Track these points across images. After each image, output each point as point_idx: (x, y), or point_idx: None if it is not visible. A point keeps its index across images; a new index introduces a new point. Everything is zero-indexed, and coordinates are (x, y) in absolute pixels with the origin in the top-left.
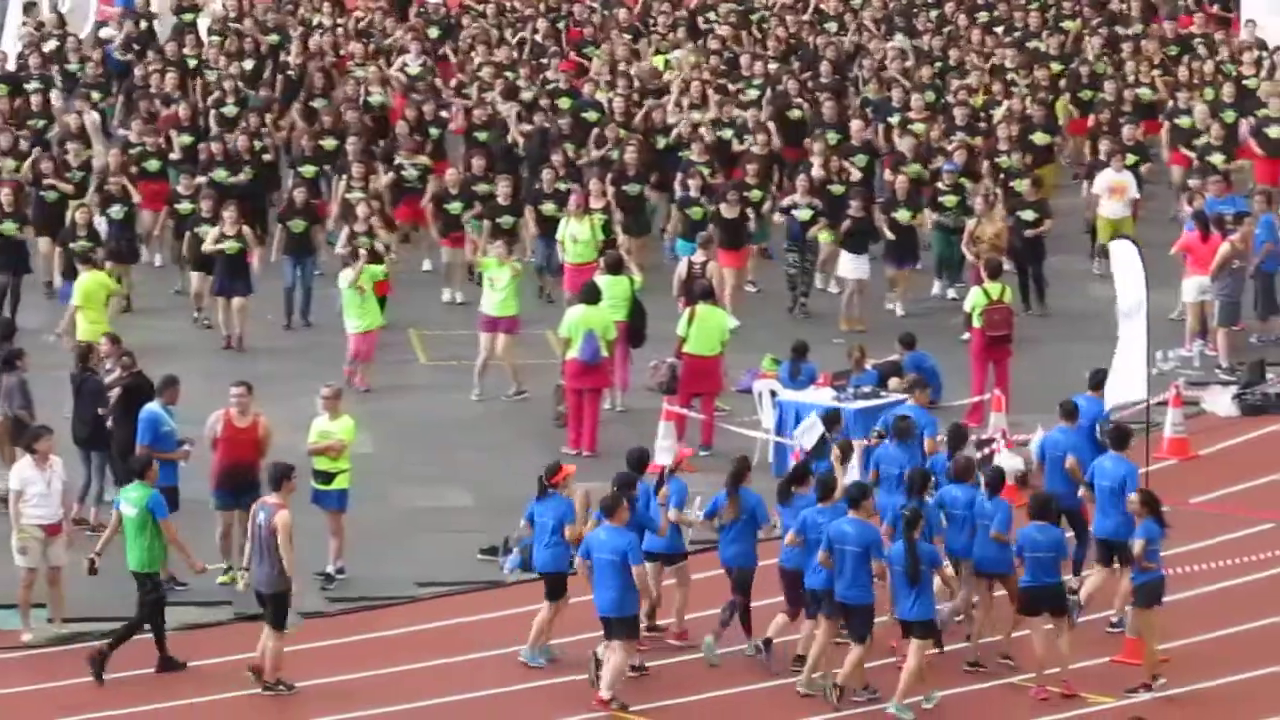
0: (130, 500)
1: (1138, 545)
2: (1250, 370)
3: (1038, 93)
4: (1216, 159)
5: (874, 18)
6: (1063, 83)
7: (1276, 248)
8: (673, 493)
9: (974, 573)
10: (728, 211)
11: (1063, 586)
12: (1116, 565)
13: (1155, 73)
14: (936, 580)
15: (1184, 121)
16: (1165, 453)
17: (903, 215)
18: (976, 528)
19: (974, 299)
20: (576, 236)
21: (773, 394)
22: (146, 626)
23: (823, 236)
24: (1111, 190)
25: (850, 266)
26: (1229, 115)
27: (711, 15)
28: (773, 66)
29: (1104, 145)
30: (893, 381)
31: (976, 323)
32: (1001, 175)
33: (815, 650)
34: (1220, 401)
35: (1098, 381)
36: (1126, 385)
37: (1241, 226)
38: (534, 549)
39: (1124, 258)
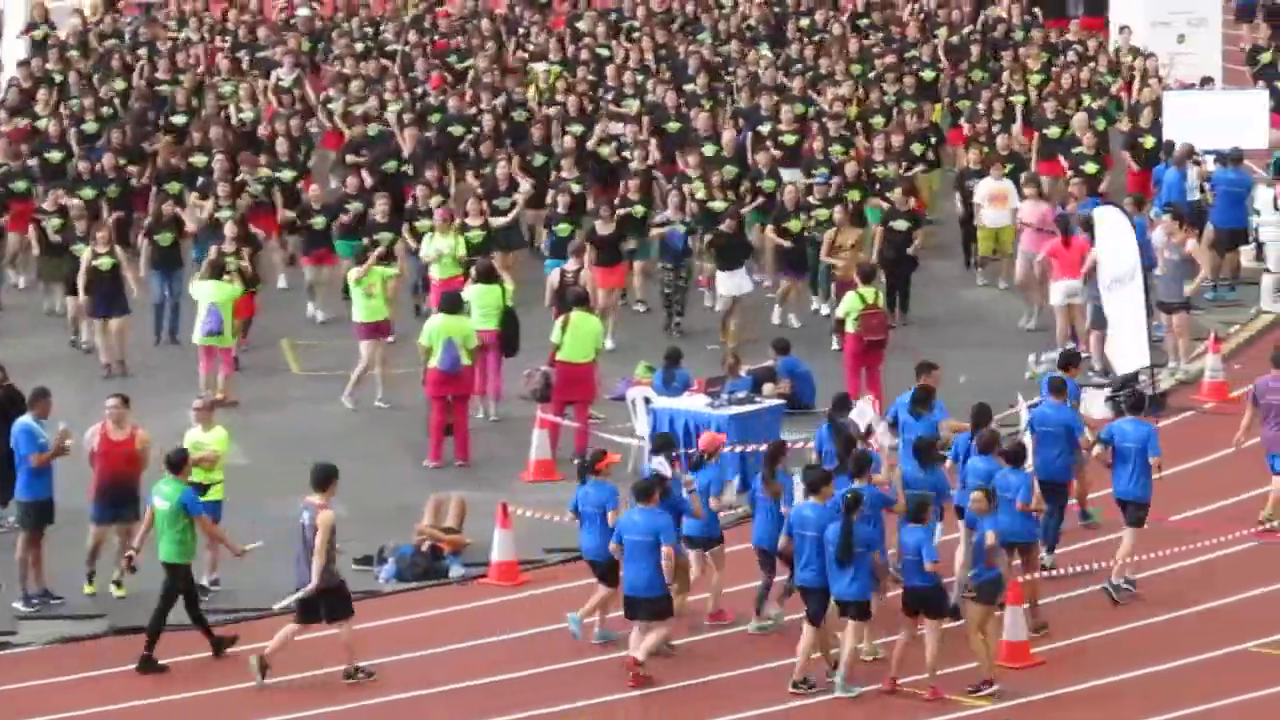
0: (163, 494)
1: (990, 539)
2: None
3: (915, 101)
4: (1090, 168)
5: (742, 26)
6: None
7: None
8: (708, 479)
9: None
10: (603, 228)
11: (940, 589)
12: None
13: (1032, 80)
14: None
15: (1052, 131)
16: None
17: (794, 225)
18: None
19: (849, 303)
20: (442, 251)
21: (646, 401)
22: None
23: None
24: (992, 198)
25: (726, 283)
26: (1101, 124)
27: (580, 25)
28: (640, 78)
29: (980, 154)
30: (767, 387)
31: (852, 327)
32: (878, 185)
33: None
34: (1094, 404)
35: (1067, 362)
36: (1131, 353)
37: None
38: (581, 536)
39: (1113, 224)
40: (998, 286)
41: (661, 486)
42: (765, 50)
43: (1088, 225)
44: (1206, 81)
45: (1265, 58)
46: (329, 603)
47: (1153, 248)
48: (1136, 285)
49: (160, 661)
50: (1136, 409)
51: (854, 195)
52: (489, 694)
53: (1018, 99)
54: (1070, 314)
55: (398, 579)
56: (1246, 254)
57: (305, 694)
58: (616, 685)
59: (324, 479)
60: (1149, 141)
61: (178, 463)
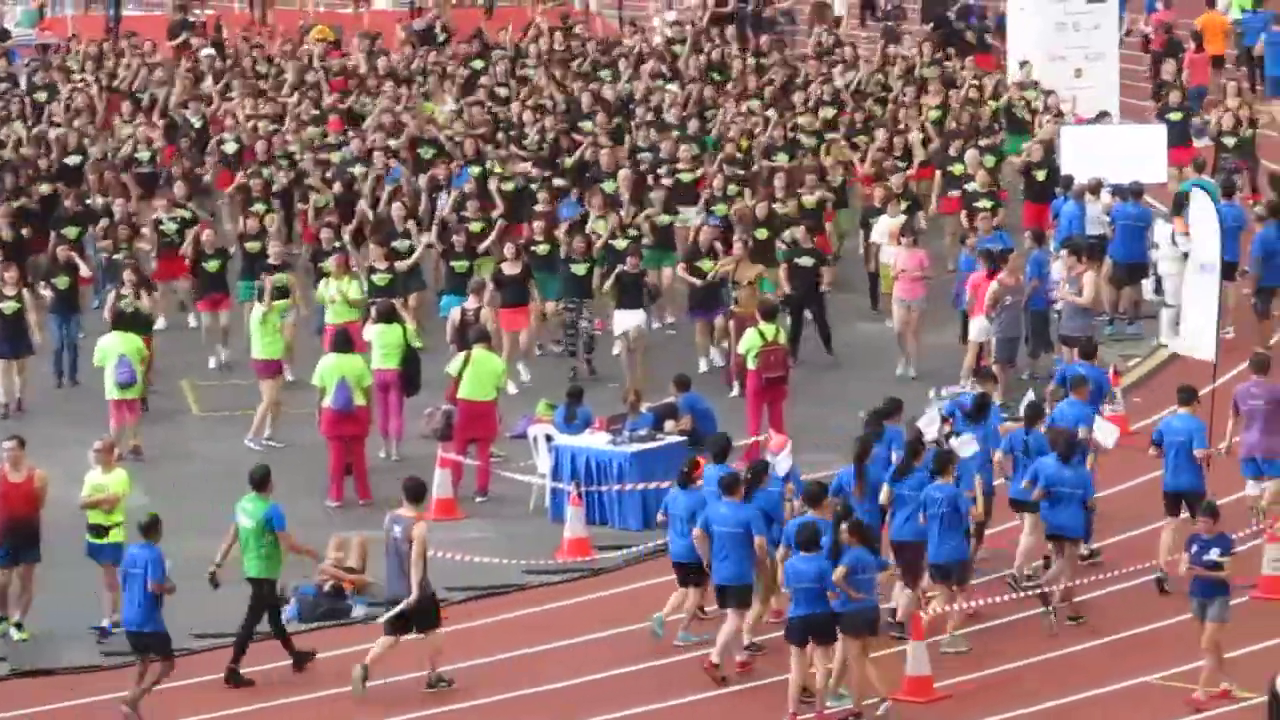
0: (247, 512)
1: (839, 572)
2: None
3: (816, 138)
4: (984, 204)
5: (643, 65)
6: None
7: (1044, 285)
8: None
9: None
10: (510, 268)
11: (831, 617)
12: (1185, 514)
13: (931, 117)
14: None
15: (956, 169)
16: None
17: (705, 265)
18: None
19: (749, 340)
20: (335, 296)
21: (548, 439)
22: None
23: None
24: (892, 235)
25: (625, 322)
26: (991, 160)
27: (476, 64)
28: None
29: (885, 191)
30: (668, 424)
31: (752, 364)
32: (777, 222)
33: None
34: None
35: (1088, 350)
36: (1196, 339)
37: (1009, 263)
38: (670, 539)
39: (1203, 210)
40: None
41: (750, 481)
42: (671, 87)
43: (989, 258)
44: (1103, 115)
45: (1173, 97)
46: (418, 614)
47: (1051, 282)
48: (1216, 276)
49: (245, 674)
50: (1186, 403)
51: (761, 233)
52: None
53: (916, 136)
54: (979, 349)
55: (300, 619)
56: (1146, 288)
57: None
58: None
59: (417, 492)
60: (1041, 175)
61: (261, 479)
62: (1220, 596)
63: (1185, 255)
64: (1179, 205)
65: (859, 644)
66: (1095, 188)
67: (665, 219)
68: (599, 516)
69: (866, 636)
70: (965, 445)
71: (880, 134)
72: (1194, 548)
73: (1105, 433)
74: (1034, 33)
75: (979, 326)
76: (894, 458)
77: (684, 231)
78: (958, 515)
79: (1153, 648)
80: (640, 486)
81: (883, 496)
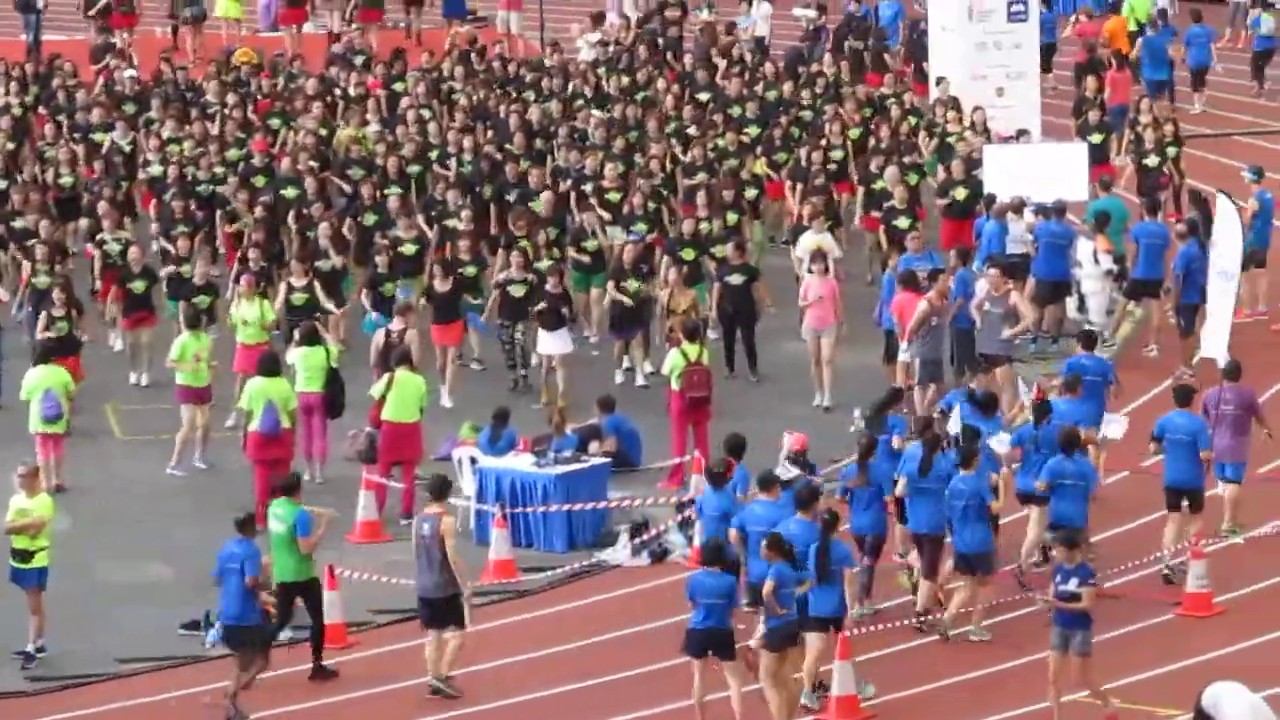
0: (278, 517)
1: (768, 587)
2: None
3: (728, 157)
4: (901, 222)
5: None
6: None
7: (968, 304)
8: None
9: None
10: (440, 285)
11: (732, 633)
12: (1186, 507)
13: (852, 135)
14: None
15: (877, 185)
16: None
17: (631, 285)
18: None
19: (672, 360)
20: (246, 318)
21: (473, 461)
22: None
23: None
24: (812, 253)
25: (548, 343)
26: (913, 178)
27: (398, 86)
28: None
29: (814, 209)
30: (592, 445)
31: (675, 384)
32: (705, 241)
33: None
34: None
35: (1089, 341)
36: (1210, 341)
37: (936, 283)
38: (702, 538)
39: (1227, 218)
40: None
41: (785, 483)
42: (595, 111)
43: (907, 280)
44: (1022, 133)
45: (1093, 115)
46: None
47: (976, 300)
48: (1235, 283)
49: (330, 666)
50: (1186, 401)
51: (688, 253)
52: None
53: (837, 154)
54: (908, 369)
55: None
56: (1069, 306)
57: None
58: None
59: (441, 488)
60: (961, 193)
61: (292, 485)
62: (1082, 630)
63: (1108, 273)
64: (1100, 224)
65: (779, 658)
66: (1018, 206)
67: (594, 243)
68: (524, 538)
69: (788, 649)
70: (1114, 425)
71: (801, 151)
72: (1056, 577)
73: (1114, 426)
74: (956, 52)
75: (908, 347)
76: (895, 443)
77: (612, 250)
78: (983, 507)
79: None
80: (565, 508)
81: (899, 489)
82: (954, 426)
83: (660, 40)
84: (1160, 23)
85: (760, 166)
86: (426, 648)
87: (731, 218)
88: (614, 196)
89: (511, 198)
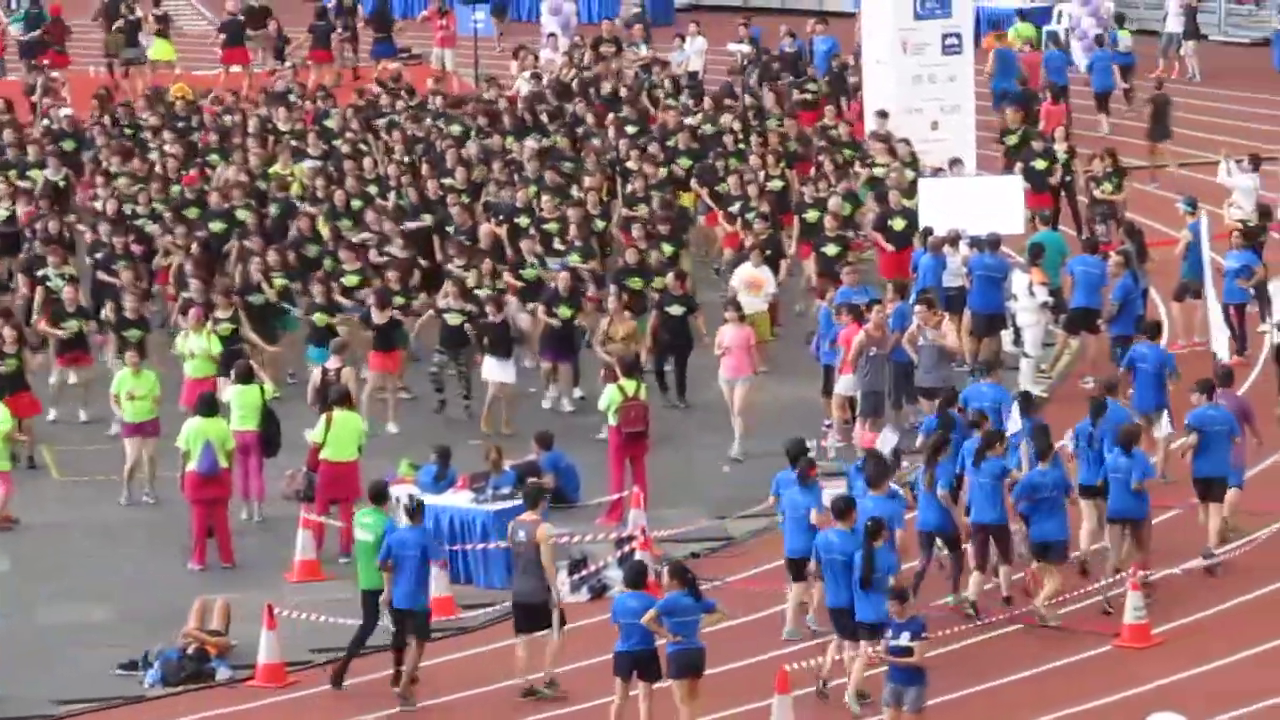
0: (366, 526)
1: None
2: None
3: (661, 189)
4: (830, 249)
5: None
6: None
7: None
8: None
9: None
10: (378, 317)
11: (657, 653)
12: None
13: (784, 165)
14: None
15: (811, 216)
16: None
17: (563, 311)
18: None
19: (609, 396)
20: (194, 351)
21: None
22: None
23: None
24: (748, 285)
25: (493, 371)
26: (846, 208)
27: (328, 122)
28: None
29: (755, 239)
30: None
31: (612, 420)
32: (647, 271)
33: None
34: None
35: (1153, 331)
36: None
37: (874, 315)
38: (785, 535)
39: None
40: (757, 371)
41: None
42: (530, 141)
43: (853, 311)
44: (955, 163)
45: (1011, 139)
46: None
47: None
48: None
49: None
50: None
51: (635, 283)
52: None
53: (775, 184)
54: (847, 403)
55: (163, 684)
56: (1005, 339)
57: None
58: None
59: (535, 497)
60: (899, 223)
61: (379, 493)
62: (915, 685)
63: (1043, 305)
64: (1034, 256)
65: (685, 685)
66: (954, 239)
67: (532, 272)
68: (463, 575)
69: (691, 678)
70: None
71: (733, 180)
72: (887, 632)
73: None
74: (889, 85)
75: (846, 381)
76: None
77: (566, 279)
78: (1062, 497)
79: (1015, 702)
80: (504, 545)
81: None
82: (1013, 425)
83: (595, 75)
84: (1052, 45)
85: (689, 199)
86: (518, 649)
87: (668, 249)
88: (552, 227)
89: (452, 229)
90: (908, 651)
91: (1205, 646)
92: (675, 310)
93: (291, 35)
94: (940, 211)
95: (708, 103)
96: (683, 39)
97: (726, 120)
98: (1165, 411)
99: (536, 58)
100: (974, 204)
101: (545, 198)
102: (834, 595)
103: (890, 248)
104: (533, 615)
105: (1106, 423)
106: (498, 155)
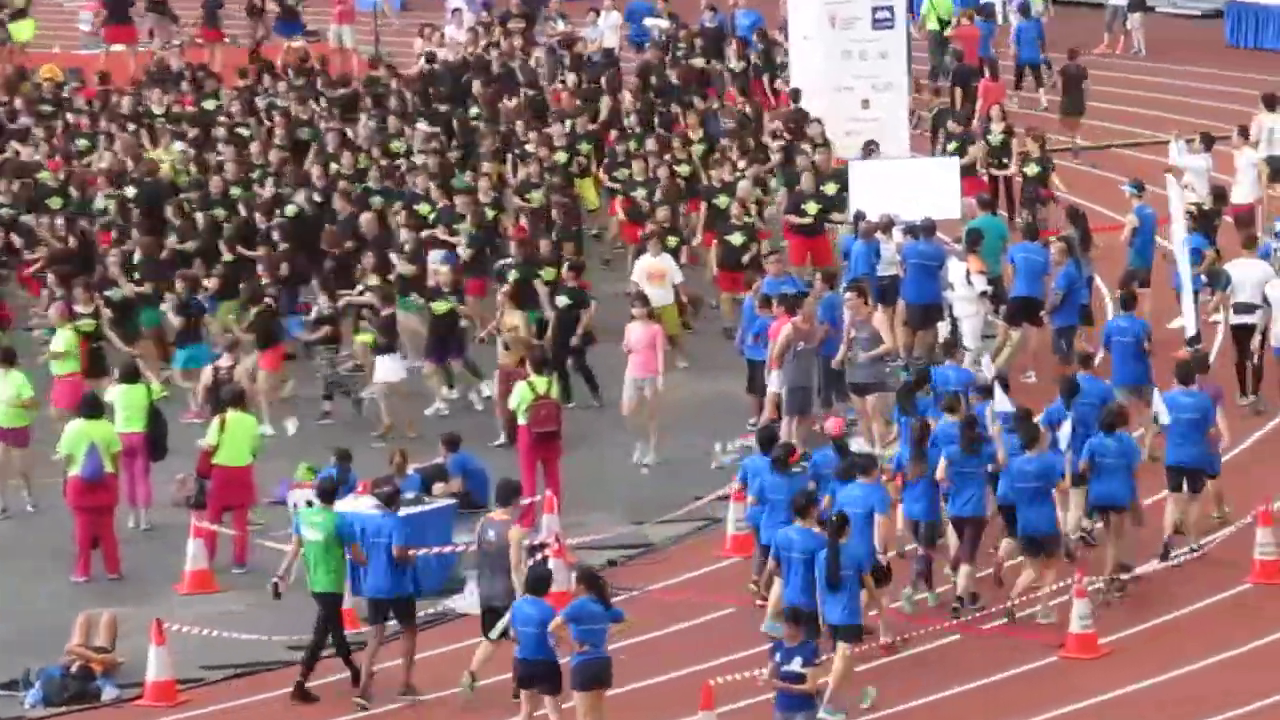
0: (315, 525)
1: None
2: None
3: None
4: (735, 239)
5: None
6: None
7: (835, 331)
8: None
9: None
10: (250, 314)
11: (557, 666)
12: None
13: (696, 150)
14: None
15: (721, 201)
16: (729, 550)
17: (438, 307)
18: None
19: (520, 395)
20: (58, 349)
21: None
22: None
23: (362, 338)
24: (650, 276)
25: (383, 368)
26: (756, 194)
27: (208, 105)
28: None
29: (651, 227)
30: (437, 486)
31: (522, 419)
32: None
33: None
34: None
35: (1128, 300)
36: (1186, 314)
37: (802, 307)
38: (764, 525)
39: (1172, 190)
40: (675, 367)
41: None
42: (420, 124)
43: (785, 302)
44: (870, 145)
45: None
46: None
47: (844, 327)
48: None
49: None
50: (1188, 379)
51: (517, 274)
52: None
53: (683, 169)
54: (778, 400)
55: (45, 704)
56: (941, 330)
57: None
58: None
59: (507, 494)
60: (812, 207)
61: (329, 492)
62: (804, 712)
63: (981, 294)
64: (972, 243)
65: (589, 698)
66: (886, 225)
67: (410, 268)
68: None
69: (596, 689)
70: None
71: (637, 165)
72: (777, 656)
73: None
74: (817, 62)
75: (775, 378)
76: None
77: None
78: (1049, 487)
79: (960, 715)
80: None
81: (940, 472)
82: (1001, 406)
83: (487, 55)
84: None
85: (589, 188)
86: (479, 650)
87: (561, 238)
88: (428, 213)
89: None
90: (800, 678)
91: (1152, 657)
92: (561, 301)
93: (181, 13)
94: (872, 195)
95: (621, 81)
96: (597, 14)
97: (628, 102)
98: (1156, 391)
99: (443, 35)
100: (908, 187)
101: (431, 185)
102: (792, 594)
103: (798, 231)
104: (498, 619)
105: (1084, 400)
106: (388, 139)
